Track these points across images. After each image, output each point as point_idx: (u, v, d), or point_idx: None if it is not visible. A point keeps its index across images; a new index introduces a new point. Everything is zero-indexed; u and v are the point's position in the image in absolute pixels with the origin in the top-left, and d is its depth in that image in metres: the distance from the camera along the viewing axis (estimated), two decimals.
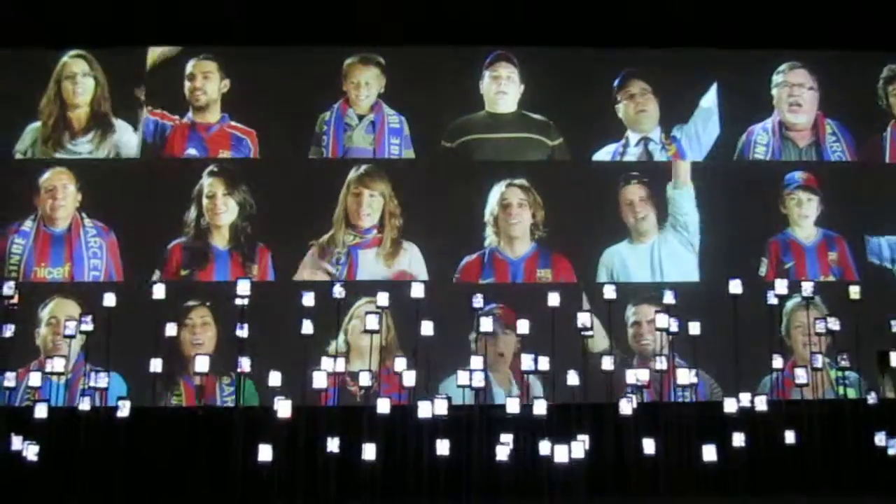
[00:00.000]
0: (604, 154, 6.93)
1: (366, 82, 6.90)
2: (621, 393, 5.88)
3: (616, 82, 6.99)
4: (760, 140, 6.97)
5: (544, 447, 5.65)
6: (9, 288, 6.04)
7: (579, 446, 5.66)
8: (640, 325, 6.55)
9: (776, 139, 6.98)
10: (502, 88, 6.95)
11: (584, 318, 5.94)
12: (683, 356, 6.13)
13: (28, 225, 6.71)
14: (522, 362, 5.88)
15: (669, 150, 6.97)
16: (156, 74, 6.93)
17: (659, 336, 6.08)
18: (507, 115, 6.95)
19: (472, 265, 6.68)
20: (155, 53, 6.95)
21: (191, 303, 6.49)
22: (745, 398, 5.87)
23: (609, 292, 6.09)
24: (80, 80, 6.93)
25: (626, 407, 5.81)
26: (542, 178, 6.81)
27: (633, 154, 6.95)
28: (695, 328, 6.03)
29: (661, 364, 6.04)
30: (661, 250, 6.75)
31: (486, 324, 5.93)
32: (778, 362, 6.07)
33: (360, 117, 6.89)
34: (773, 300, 6.13)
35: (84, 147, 6.87)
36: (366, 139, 6.87)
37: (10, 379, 5.94)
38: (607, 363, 5.94)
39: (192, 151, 6.84)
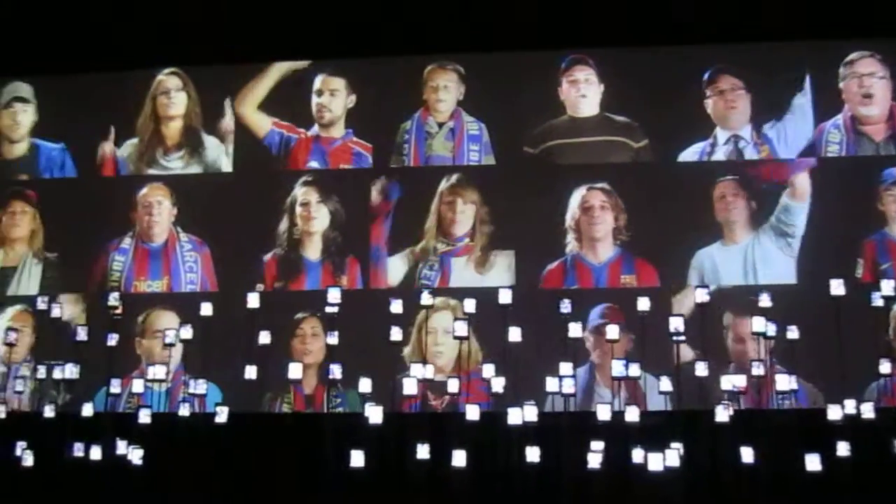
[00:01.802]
0: (690, 154, 6.75)
1: (444, 86, 6.95)
2: (716, 399, 5.72)
3: (705, 77, 6.80)
4: (832, 138, 6.65)
5: (637, 455, 5.56)
6: (114, 299, 6.39)
7: (673, 454, 5.54)
8: (738, 332, 6.30)
9: (850, 135, 6.64)
10: (582, 92, 6.86)
11: (676, 323, 5.81)
12: (784, 361, 5.93)
13: (127, 242, 7.02)
14: (612, 368, 5.79)
15: (762, 151, 6.75)
16: (282, 87, 7.13)
17: (757, 341, 5.88)
18: (589, 118, 6.86)
19: (555, 272, 6.60)
20: (283, 67, 7.15)
21: (301, 314, 6.63)
22: (849, 405, 5.61)
23: (701, 296, 5.93)
24: (174, 95, 7.23)
25: (723, 414, 5.64)
26: (624, 181, 6.69)
27: (721, 153, 6.74)
28: (793, 332, 5.82)
29: (758, 370, 5.84)
30: (755, 252, 6.52)
31: (575, 329, 5.87)
32: (886, 367, 5.76)
33: (440, 125, 6.95)
34: (878, 302, 5.85)
35: (176, 163, 7.16)
36: (446, 146, 6.92)
37: (115, 385, 6.24)
38: (701, 369, 5.80)
39: (313, 164, 7.03)
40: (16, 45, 7.12)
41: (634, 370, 5.82)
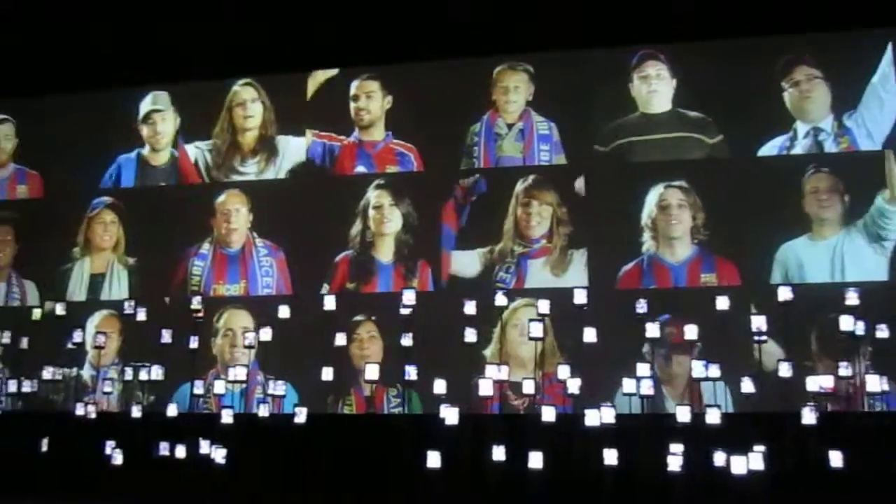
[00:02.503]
0: (769, 149, 6.54)
1: (515, 87, 6.93)
2: (801, 401, 5.54)
3: (780, 69, 6.58)
4: None
5: (719, 458, 5.43)
6: (197, 302, 6.60)
7: (757, 457, 5.39)
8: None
9: None
10: (653, 87, 6.75)
11: (758, 322, 5.65)
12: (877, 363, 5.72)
13: (206, 248, 7.24)
14: (693, 369, 5.68)
15: (842, 143, 6.50)
16: (319, 97, 7.28)
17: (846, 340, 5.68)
18: (661, 114, 6.72)
19: (632, 273, 6.49)
20: (317, 77, 7.30)
21: (357, 318, 6.72)
22: None
23: (784, 294, 5.75)
24: (249, 105, 7.43)
25: (809, 416, 5.45)
26: (701, 179, 6.53)
27: (801, 146, 6.51)
28: (882, 331, 5.60)
29: (846, 370, 5.62)
30: (845, 248, 6.26)
31: (653, 329, 5.77)
32: None
33: (510, 126, 6.93)
34: None
35: (251, 168, 7.34)
36: (515, 147, 6.89)
37: (199, 387, 6.44)
38: (785, 370, 5.63)
39: (360, 169, 7.13)
40: (150, 54, 7.42)
41: (714, 371, 5.71)
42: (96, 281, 7.36)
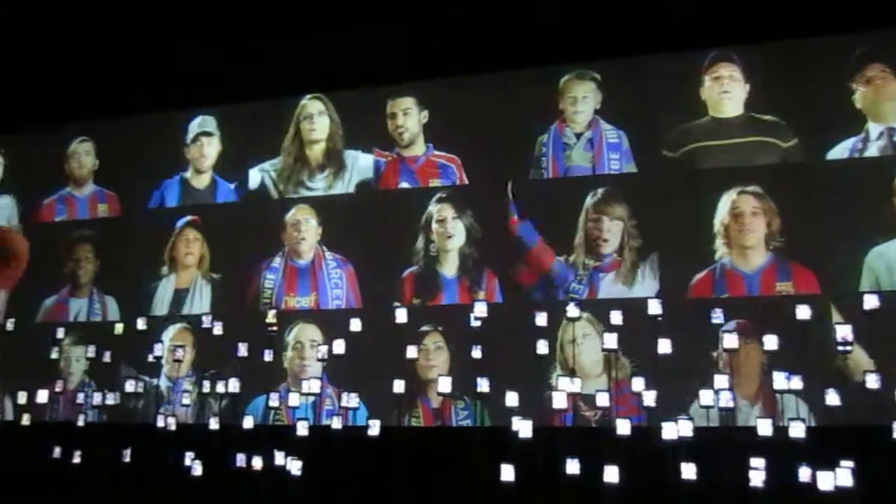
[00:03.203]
0: (840, 151, 6.30)
1: (583, 96, 6.87)
2: (891, 415, 5.33)
3: (852, 67, 6.35)
4: None
5: (804, 473, 5.25)
6: (272, 315, 6.75)
7: (846, 473, 5.19)
8: None
9: None
10: (725, 88, 6.58)
11: (843, 332, 5.46)
12: None
13: (277, 262, 7.37)
14: (774, 381, 5.52)
15: None
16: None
17: None
18: (733, 118, 6.57)
19: (703, 282, 6.33)
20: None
21: (424, 328, 6.74)
22: None
23: (870, 301, 5.54)
24: (317, 119, 7.55)
25: None
26: (776, 184, 6.34)
27: (875, 148, 6.26)
28: None
29: None
30: None
31: (731, 340, 5.64)
32: None
33: (578, 135, 6.87)
34: None
35: (320, 183, 7.46)
36: (584, 157, 6.81)
37: (274, 399, 6.57)
38: (872, 381, 5.42)
39: (404, 185, 7.19)
40: (200, 76, 7.66)
41: (796, 383, 5.55)
42: (180, 296, 7.59)
